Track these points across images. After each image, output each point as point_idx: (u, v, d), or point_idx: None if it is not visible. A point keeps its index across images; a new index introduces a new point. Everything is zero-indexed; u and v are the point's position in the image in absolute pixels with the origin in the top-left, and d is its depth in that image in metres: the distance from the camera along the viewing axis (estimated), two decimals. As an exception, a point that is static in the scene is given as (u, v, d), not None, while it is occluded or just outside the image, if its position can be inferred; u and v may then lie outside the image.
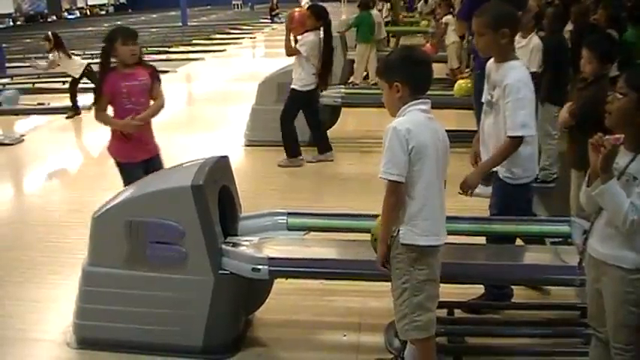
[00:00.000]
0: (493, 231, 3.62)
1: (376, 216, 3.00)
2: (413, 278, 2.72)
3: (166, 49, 18.20)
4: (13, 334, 3.71)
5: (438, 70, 10.58)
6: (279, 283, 3.58)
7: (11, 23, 32.46)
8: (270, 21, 28.68)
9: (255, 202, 4.62)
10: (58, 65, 9.70)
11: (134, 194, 3.45)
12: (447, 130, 2.83)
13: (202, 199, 3.22)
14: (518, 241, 3.73)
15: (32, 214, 6.01)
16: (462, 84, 7.22)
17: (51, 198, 6.44)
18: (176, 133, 7.74)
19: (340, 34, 11.00)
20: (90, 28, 29.25)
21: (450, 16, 10.80)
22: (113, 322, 3.36)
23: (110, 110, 4.33)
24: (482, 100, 3.65)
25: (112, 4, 45.28)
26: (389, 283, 2.87)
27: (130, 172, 4.16)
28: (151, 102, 4.34)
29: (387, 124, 2.71)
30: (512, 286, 3.70)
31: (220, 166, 3.60)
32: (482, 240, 3.70)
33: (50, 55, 9.65)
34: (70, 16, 38.73)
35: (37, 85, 12.22)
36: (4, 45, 16.10)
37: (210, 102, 10.67)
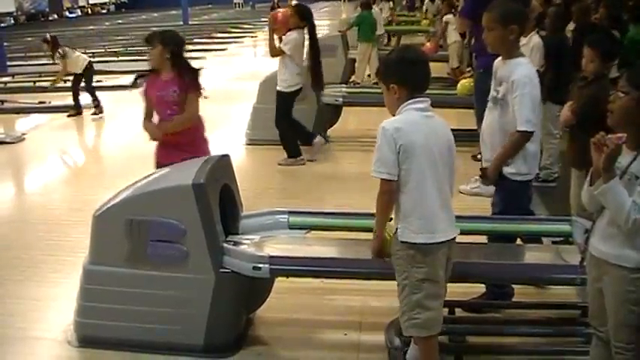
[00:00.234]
0: (494, 230, 3.63)
1: (377, 215, 3.00)
2: (411, 276, 2.74)
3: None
4: (13, 332, 3.71)
5: (440, 69, 10.58)
6: (280, 282, 3.58)
7: (12, 22, 32.47)
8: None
9: (256, 201, 4.62)
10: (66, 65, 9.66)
11: (135, 193, 3.44)
12: (447, 129, 2.83)
13: (203, 198, 3.22)
14: (518, 241, 3.74)
15: (33, 212, 6.01)
16: (465, 83, 7.21)
17: (52, 196, 6.44)
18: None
19: (341, 33, 11.02)
20: (91, 27, 29.29)
21: (450, 15, 10.78)
22: (114, 321, 3.36)
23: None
24: (488, 97, 3.68)
25: (113, 3, 45.28)
26: (389, 282, 2.88)
27: None
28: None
29: (388, 123, 2.72)
30: (513, 285, 3.69)
31: (221, 164, 3.60)
32: (482, 239, 3.70)
33: (58, 61, 9.63)
34: (71, 15, 38.77)
35: (38, 84, 12.22)
36: (5, 44, 16.11)
37: (212, 101, 10.62)
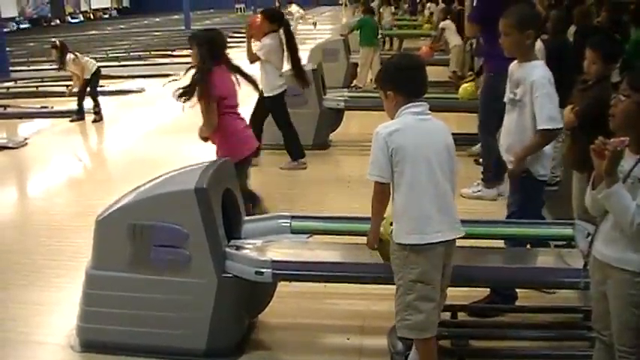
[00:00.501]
0: (498, 234, 3.64)
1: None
2: (405, 276, 2.78)
3: (170, 52, 18.26)
4: (16, 336, 3.71)
5: (440, 73, 10.58)
6: (283, 286, 3.58)
7: (15, 27, 32.56)
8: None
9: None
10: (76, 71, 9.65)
11: (138, 197, 3.44)
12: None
13: (206, 202, 3.22)
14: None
15: (36, 217, 6.02)
16: (467, 87, 7.21)
17: (54, 201, 6.44)
18: (179, 136, 7.75)
19: (343, 37, 11.05)
20: (93, 32, 29.35)
21: (447, 21, 10.82)
22: (117, 325, 3.36)
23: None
24: (505, 99, 3.76)
25: (115, 8, 45.42)
26: (392, 286, 2.89)
27: None
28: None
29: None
30: (517, 289, 3.69)
31: (224, 169, 3.60)
32: (485, 243, 3.69)
33: (71, 67, 9.58)
34: (73, 20, 38.87)
35: (40, 89, 12.24)
36: (7, 49, 16.14)
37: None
